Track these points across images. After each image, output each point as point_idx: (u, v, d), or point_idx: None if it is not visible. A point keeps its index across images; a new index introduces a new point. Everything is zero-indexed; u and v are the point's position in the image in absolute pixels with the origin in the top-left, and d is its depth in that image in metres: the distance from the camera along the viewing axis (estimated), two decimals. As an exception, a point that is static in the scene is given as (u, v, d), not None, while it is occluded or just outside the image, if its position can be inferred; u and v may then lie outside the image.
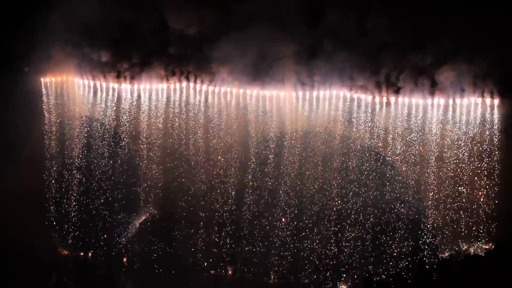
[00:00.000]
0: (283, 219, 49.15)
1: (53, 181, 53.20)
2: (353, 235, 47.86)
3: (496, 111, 45.12)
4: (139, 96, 51.45)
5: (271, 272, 49.44)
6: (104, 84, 51.69)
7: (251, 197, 49.84)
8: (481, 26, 42.69)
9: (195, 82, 50.16)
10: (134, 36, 49.49)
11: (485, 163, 45.58)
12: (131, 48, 49.88)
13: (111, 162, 52.41)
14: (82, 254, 53.11)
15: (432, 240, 46.43)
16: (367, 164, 47.86)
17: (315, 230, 48.59)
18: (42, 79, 52.70)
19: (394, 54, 45.00)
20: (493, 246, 45.08)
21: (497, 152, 45.45)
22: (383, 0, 44.90)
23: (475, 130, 45.71)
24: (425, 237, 46.58)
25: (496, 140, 45.47)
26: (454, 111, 45.75)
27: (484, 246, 45.34)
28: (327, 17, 45.70)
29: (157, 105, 51.22)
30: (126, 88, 51.40)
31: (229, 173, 50.27)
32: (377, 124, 47.52)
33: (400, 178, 47.27)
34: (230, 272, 50.18)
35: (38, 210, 52.88)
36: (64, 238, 53.16)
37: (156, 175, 51.82)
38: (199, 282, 50.49)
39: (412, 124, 46.81)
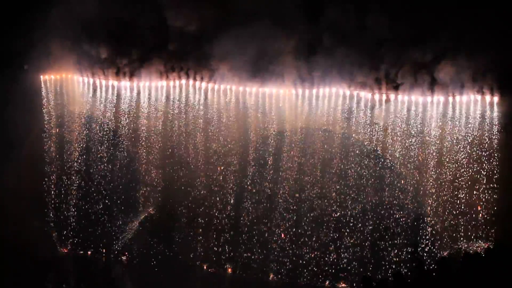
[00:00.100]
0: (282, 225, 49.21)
1: (52, 179, 53.14)
2: (352, 240, 47.85)
3: (495, 108, 45.10)
4: (138, 93, 51.43)
5: (271, 273, 49.44)
6: (103, 82, 51.70)
7: (250, 198, 49.94)
8: (481, 22, 42.55)
9: (194, 79, 50.17)
10: (133, 33, 49.43)
11: (484, 162, 45.43)
12: (130, 44, 49.80)
13: (111, 158, 52.37)
14: (81, 252, 53.07)
15: (431, 236, 46.40)
16: (367, 160, 47.90)
17: (314, 235, 48.54)
18: (41, 76, 52.68)
19: (393, 51, 44.93)
20: (492, 245, 44.94)
21: (496, 150, 45.37)
22: (382, -4, 45.02)
23: (474, 127, 45.64)
24: (424, 230, 46.59)
25: (496, 138, 45.41)
26: (453, 108, 45.73)
27: (483, 245, 45.19)
28: (326, 13, 45.71)
29: (156, 103, 51.24)
30: (125, 85, 51.41)
31: (229, 174, 50.27)
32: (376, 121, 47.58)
33: (400, 178, 47.22)
34: (229, 270, 50.11)
35: (38, 208, 52.81)
36: (63, 236, 53.11)
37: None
38: (198, 282, 50.40)
39: (411, 121, 46.78)
